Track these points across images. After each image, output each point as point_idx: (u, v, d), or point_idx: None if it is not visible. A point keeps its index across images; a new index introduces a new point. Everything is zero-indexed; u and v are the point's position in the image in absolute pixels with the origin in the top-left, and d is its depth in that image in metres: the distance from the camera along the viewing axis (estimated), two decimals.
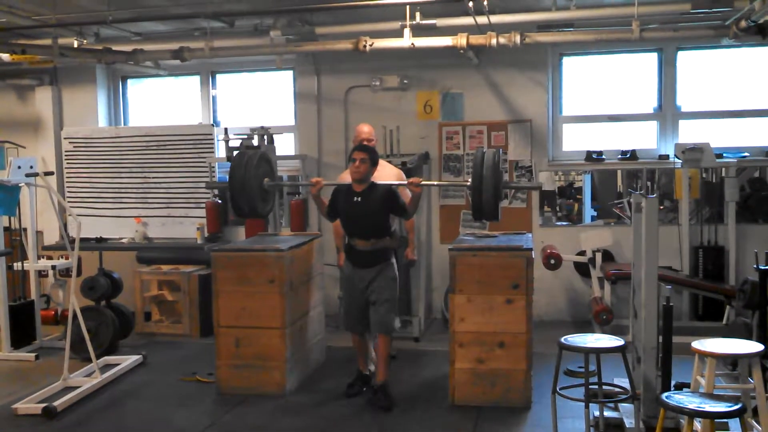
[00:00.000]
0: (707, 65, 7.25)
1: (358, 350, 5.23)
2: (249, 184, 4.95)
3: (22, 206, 6.72)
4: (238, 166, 5.00)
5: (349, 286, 5.08)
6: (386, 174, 5.30)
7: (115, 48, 6.96)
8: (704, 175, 6.99)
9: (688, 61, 7.21)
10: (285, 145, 7.79)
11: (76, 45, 6.76)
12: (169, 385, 5.54)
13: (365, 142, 5.34)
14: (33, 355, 6.36)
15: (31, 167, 6.47)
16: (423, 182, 4.95)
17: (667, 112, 7.25)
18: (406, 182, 4.96)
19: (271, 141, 7.09)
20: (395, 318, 5.09)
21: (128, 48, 7.01)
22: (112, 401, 5.22)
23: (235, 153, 5.41)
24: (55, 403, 4.90)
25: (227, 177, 5.17)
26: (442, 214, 7.50)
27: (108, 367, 5.79)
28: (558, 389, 4.24)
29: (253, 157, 5.04)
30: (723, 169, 6.88)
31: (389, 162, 6.80)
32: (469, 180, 4.68)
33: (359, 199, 4.92)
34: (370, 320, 4.98)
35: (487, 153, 4.62)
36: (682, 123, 7.25)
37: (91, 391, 5.31)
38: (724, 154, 6.93)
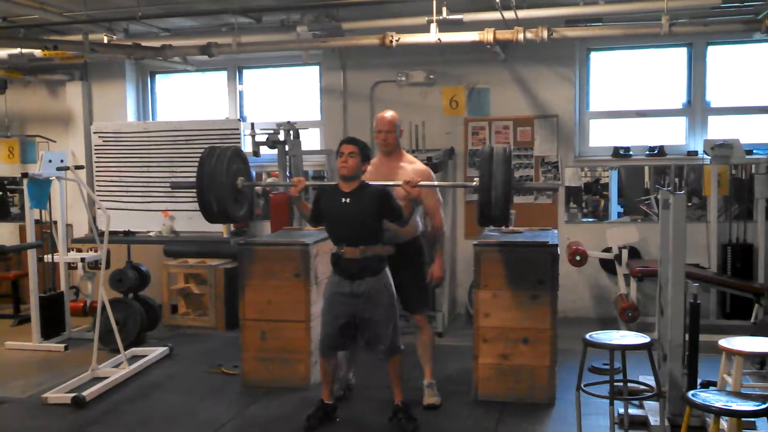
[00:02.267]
0: (738, 60, 7.15)
1: (324, 377, 4.54)
2: (219, 180, 4.36)
3: (53, 199, 6.84)
4: (207, 160, 4.40)
5: (334, 300, 4.39)
6: (410, 172, 4.72)
7: (144, 44, 7.05)
8: (733, 172, 6.90)
9: (718, 55, 7.11)
10: (311, 141, 7.83)
11: (106, 41, 6.85)
12: (195, 377, 5.60)
13: (386, 134, 4.78)
14: (62, 345, 6.47)
15: (62, 161, 6.59)
16: (421, 183, 4.33)
17: (696, 108, 7.16)
18: (400, 183, 4.29)
19: (297, 136, 7.13)
20: (397, 337, 4.41)
21: (157, 44, 7.09)
22: (139, 392, 5.30)
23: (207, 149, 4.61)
24: (84, 393, 4.99)
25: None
26: (467, 210, 7.48)
27: (135, 358, 5.87)
28: (582, 386, 4.21)
29: (225, 152, 4.45)
30: (753, 166, 6.78)
31: (416, 157, 6.82)
32: (476, 179, 4.12)
33: (348, 200, 4.30)
34: (357, 340, 4.44)
35: (496, 149, 4.10)
36: (711, 119, 7.16)
37: (119, 382, 5.39)
38: (754, 151, 6.84)
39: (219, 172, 4.37)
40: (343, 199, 4.32)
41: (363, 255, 4.29)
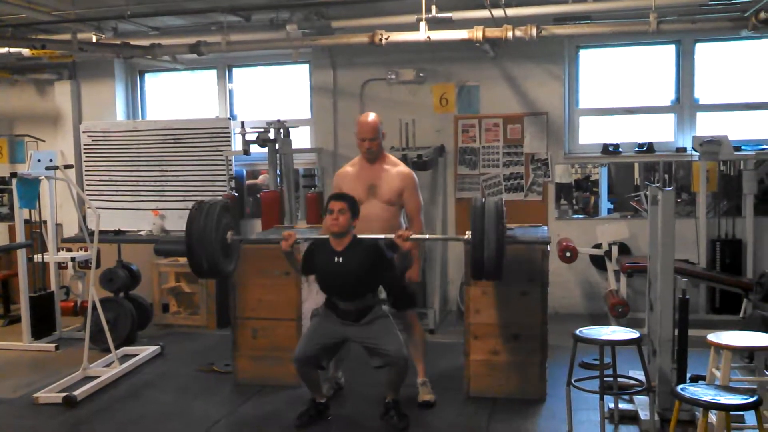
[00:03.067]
0: (725, 57, 7.19)
1: (308, 386, 4.51)
2: (209, 237, 4.19)
3: (42, 199, 6.81)
4: (196, 218, 4.23)
5: (325, 323, 4.38)
6: (391, 177, 4.70)
7: (133, 42, 7.03)
8: (722, 168, 6.94)
9: (706, 53, 7.15)
10: (301, 139, 7.83)
11: (94, 40, 6.83)
12: (187, 376, 5.60)
13: (370, 142, 4.65)
14: (53, 345, 6.45)
15: (51, 160, 6.56)
16: (413, 236, 4.26)
17: (684, 105, 7.20)
18: (393, 236, 4.22)
19: (287, 134, 7.13)
20: (404, 348, 4.36)
21: (146, 42, 7.07)
22: (130, 391, 5.29)
23: (193, 205, 4.41)
24: (75, 393, 4.98)
25: (189, 230, 4.24)
26: (458, 207, 7.50)
27: (127, 357, 5.86)
28: (573, 381, 4.24)
29: (213, 207, 4.29)
30: (741, 162, 6.82)
31: (404, 156, 6.83)
32: (467, 233, 4.02)
33: (340, 259, 4.24)
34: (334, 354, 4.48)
35: (488, 204, 3.99)
36: (699, 115, 7.20)
37: (111, 381, 5.38)
38: (743, 147, 6.88)
39: (208, 230, 4.21)
40: (336, 258, 4.26)
41: (357, 306, 4.31)
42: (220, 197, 4.42)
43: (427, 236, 4.53)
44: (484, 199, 4.04)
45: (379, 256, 4.27)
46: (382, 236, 4.33)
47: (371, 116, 4.76)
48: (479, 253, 3.91)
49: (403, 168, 4.81)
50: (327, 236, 4.36)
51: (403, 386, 4.46)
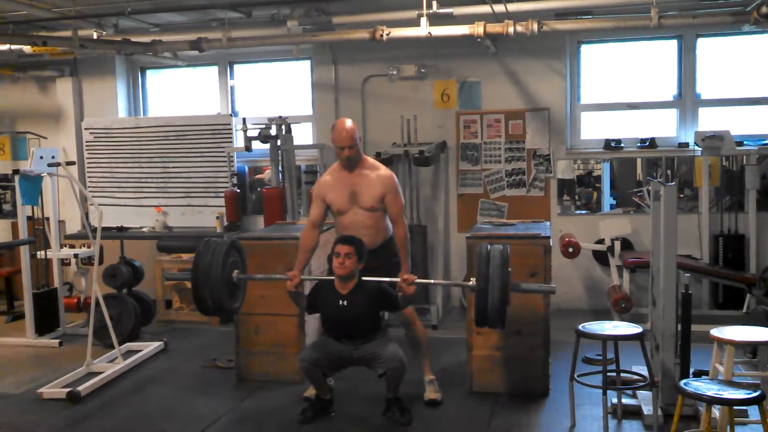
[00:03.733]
0: (727, 52, 7.18)
1: (313, 383, 4.55)
2: (215, 276, 4.14)
3: (45, 196, 6.81)
4: (203, 255, 4.18)
5: (330, 340, 4.44)
6: (371, 183, 4.56)
7: (134, 39, 7.02)
8: (724, 163, 6.94)
9: (707, 48, 7.14)
10: (303, 135, 7.83)
11: (95, 36, 6.82)
12: (190, 372, 5.61)
13: (347, 150, 4.49)
14: (56, 341, 6.47)
15: (53, 157, 6.56)
16: (417, 280, 4.21)
17: (686, 100, 7.19)
18: (398, 280, 4.20)
19: (288, 131, 7.13)
20: (400, 350, 4.35)
21: (147, 39, 7.07)
22: (134, 387, 5.30)
23: (203, 243, 4.30)
24: (79, 388, 4.99)
25: (199, 245, 4.23)
26: (460, 203, 7.50)
27: (130, 353, 5.87)
28: (576, 376, 4.25)
29: (221, 246, 4.24)
30: (744, 157, 6.82)
31: (405, 153, 6.82)
32: (472, 280, 3.98)
33: (345, 303, 4.29)
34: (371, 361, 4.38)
35: (493, 251, 3.94)
36: (701, 110, 7.19)
37: (114, 377, 5.39)
38: (745, 142, 6.87)
39: (215, 269, 4.16)
40: (341, 302, 4.30)
41: (361, 343, 4.36)
42: (228, 238, 4.37)
43: (432, 281, 4.41)
44: (489, 247, 3.98)
45: (384, 298, 4.31)
46: (387, 279, 4.30)
47: (347, 122, 4.59)
48: (483, 301, 3.86)
49: (382, 171, 4.65)
50: (332, 278, 4.36)
51: (405, 384, 4.46)
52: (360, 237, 4.39)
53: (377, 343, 4.37)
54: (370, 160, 4.79)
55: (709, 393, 3.28)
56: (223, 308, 4.28)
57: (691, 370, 4.29)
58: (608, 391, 4.09)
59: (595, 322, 4.32)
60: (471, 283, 3.98)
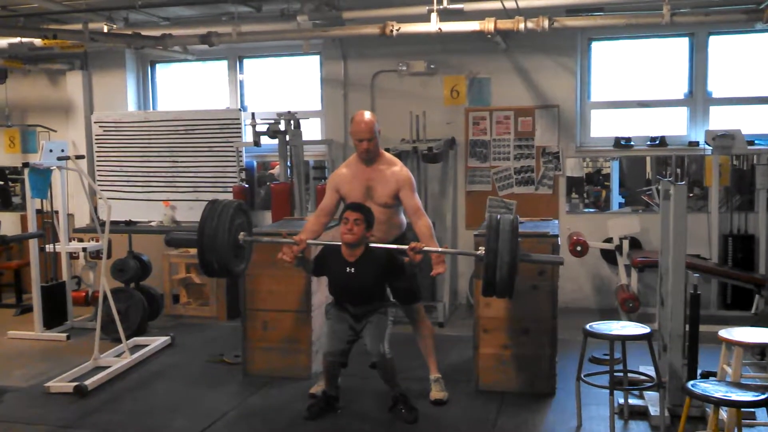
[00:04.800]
0: (739, 50, 7.12)
1: (326, 376, 4.52)
2: (221, 238, 4.15)
3: (54, 189, 6.84)
4: (209, 218, 4.19)
5: (340, 323, 4.40)
6: (386, 179, 4.55)
7: (144, 33, 7.03)
8: (735, 162, 6.89)
9: (719, 45, 7.09)
10: (311, 130, 7.82)
11: (106, 30, 6.84)
12: (197, 367, 5.62)
13: (366, 143, 4.48)
14: (64, 335, 6.49)
15: (63, 151, 6.58)
16: (425, 248, 4.17)
17: (697, 98, 7.14)
18: (406, 247, 4.15)
19: (297, 126, 7.13)
20: (382, 344, 4.28)
21: (157, 33, 7.07)
22: (141, 381, 5.32)
23: (208, 204, 4.32)
24: (86, 382, 5.01)
25: (198, 228, 4.19)
26: (468, 200, 7.48)
27: (137, 347, 5.89)
28: (582, 376, 4.24)
29: (227, 209, 4.24)
30: (754, 156, 6.77)
31: (414, 149, 6.81)
32: (481, 249, 3.98)
33: (352, 270, 4.27)
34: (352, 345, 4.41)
35: (503, 221, 3.90)
36: (712, 109, 7.14)
37: (121, 371, 5.41)
38: (756, 141, 6.83)
39: (221, 232, 4.16)
40: (348, 269, 4.28)
41: (367, 309, 4.35)
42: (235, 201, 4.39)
43: (440, 249, 4.47)
44: (499, 217, 3.96)
45: (391, 265, 4.27)
46: (395, 246, 4.28)
47: (367, 115, 4.57)
48: (491, 271, 3.83)
49: (398, 168, 4.61)
50: (339, 244, 4.30)
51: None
52: (373, 234, 4.37)
53: (370, 326, 4.31)
54: (388, 155, 4.75)
55: (717, 395, 3.26)
56: (229, 271, 4.31)
57: (699, 371, 4.27)
58: (615, 392, 4.07)
59: (602, 322, 4.30)
60: (480, 252, 3.96)
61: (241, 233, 4.31)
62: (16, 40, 7.20)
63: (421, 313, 4.88)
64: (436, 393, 4.74)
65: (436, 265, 4.40)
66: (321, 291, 5.26)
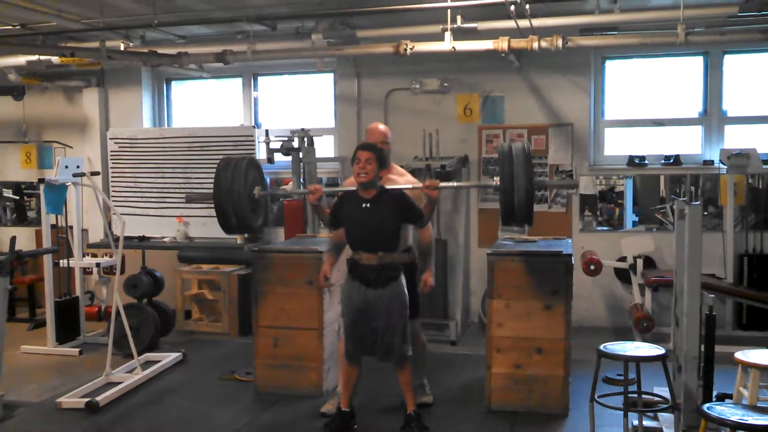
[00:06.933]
0: (755, 69, 7.10)
1: (344, 385, 4.52)
2: (237, 192, 4.29)
3: (69, 205, 6.89)
4: (224, 171, 4.33)
5: (350, 305, 4.37)
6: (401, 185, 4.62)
7: (160, 51, 7.09)
8: (750, 181, 6.84)
9: (734, 64, 7.06)
10: (325, 148, 7.85)
11: (122, 48, 6.90)
12: (208, 383, 5.62)
13: (381, 144, 4.60)
14: (77, 350, 6.51)
15: (78, 167, 6.62)
16: (441, 184, 4.30)
17: (712, 117, 7.11)
18: (420, 186, 4.31)
19: (311, 143, 7.15)
20: (406, 345, 4.37)
21: (173, 51, 7.13)
22: (152, 397, 5.32)
23: (222, 160, 4.51)
24: (98, 398, 5.01)
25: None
26: (481, 218, 7.47)
27: (149, 363, 5.89)
28: (596, 397, 4.19)
29: (240, 163, 4.40)
30: None
31: (427, 167, 6.81)
32: (496, 179, 4.01)
33: (368, 206, 4.28)
34: (375, 348, 4.36)
35: (515, 147, 3.92)
36: (727, 128, 7.11)
37: (133, 387, 5.41)
38: None
39: (237, 184, 4.31)
40: (364, 205, 4.30)
41: (380, 262, 4.28)
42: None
43: (456, 184, 4.67)
44: (511, 144, 4.01)
45: (406, 203, 4.30)
46: (410, 186, 4.40)
47: (381, 125, 4.86)
48: (509, 198, 3.86)
49: (410, 178, 4.80)
50: (354, 189, 4.37)
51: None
52: None
53: (390, 327, 4.28)
54: (399, 168, 4.89)
55: (734, 418, 3.21)
56: (246, 224, 4.44)
57: (714, 393, 4.22)
58: (629, 413, 4.03)
59: (617, 342, 4.26)
60: (495, 182, 4.02)
61: (257, 187, 4.45)
62: (35, 57, 7.28)
63: (416, 329, 4.83)
64: (421, 397, 4.79)
65: (428, 279, 4.61)
66: (333, 308, 5.25)
